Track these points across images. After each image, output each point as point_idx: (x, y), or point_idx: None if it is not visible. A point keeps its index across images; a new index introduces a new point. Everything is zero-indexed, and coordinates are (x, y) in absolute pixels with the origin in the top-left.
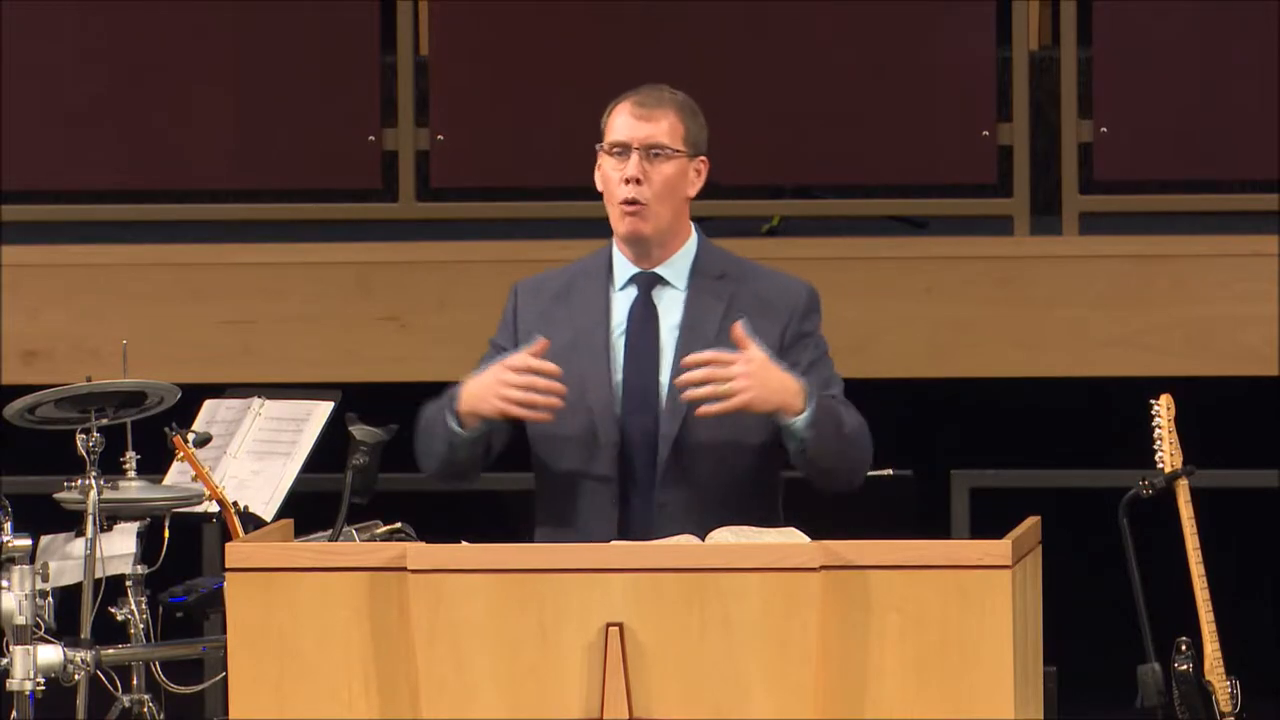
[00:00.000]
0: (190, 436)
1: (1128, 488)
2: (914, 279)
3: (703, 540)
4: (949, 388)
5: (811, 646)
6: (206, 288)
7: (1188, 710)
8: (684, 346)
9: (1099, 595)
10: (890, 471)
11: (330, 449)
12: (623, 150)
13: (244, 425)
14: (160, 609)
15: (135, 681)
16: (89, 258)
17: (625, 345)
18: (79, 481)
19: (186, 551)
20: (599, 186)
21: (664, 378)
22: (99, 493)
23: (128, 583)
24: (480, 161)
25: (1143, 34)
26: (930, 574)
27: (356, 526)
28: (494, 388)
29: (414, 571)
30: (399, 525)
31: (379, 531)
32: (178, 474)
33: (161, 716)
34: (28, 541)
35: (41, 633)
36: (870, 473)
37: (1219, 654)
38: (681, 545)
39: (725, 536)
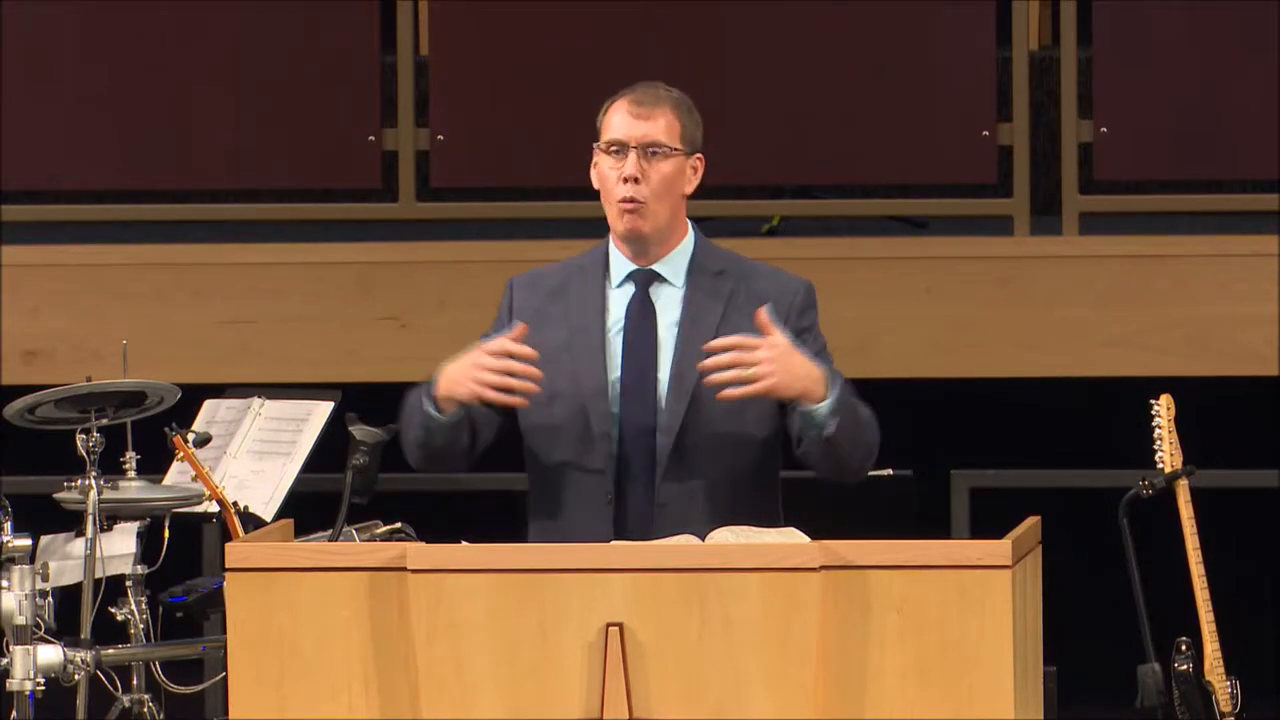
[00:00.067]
0: (190, 436)
1: (1128, 488)
2: (914, 279)
3: (702, 540)
4: (949, 388)
5: (811, 646)
6: (206, 288)
7: (1188, 710)
8: (683, 343)
9: (1099, 595)
10: (890, 471)
11: (330, 449)
12: (620, 149)
13: (244, 425)
14: (160, 609)
15: (135, 681)
16: (89, 258)
17: (623, 341)
18: (79, 481)
19: (186, 551)
20: (595, 184)
21: (662, 374)
22: (99, 493)
23: (128, 583)
24: (480, 161)
25: (1143, 34)
26: (930, 574)
27: (356, 526)
28: (470, 372)
29: (414, 571)
30: (399, 525)
31: (379, 531)
32: (178, 474)
33: (161, 716)
34: (28, 541)
35: (41, 633)
36: (870, 473)
37: (1219, 654)
38: (681, 545)
39: (725, 536)
